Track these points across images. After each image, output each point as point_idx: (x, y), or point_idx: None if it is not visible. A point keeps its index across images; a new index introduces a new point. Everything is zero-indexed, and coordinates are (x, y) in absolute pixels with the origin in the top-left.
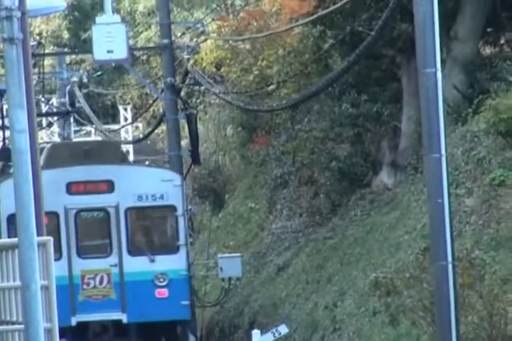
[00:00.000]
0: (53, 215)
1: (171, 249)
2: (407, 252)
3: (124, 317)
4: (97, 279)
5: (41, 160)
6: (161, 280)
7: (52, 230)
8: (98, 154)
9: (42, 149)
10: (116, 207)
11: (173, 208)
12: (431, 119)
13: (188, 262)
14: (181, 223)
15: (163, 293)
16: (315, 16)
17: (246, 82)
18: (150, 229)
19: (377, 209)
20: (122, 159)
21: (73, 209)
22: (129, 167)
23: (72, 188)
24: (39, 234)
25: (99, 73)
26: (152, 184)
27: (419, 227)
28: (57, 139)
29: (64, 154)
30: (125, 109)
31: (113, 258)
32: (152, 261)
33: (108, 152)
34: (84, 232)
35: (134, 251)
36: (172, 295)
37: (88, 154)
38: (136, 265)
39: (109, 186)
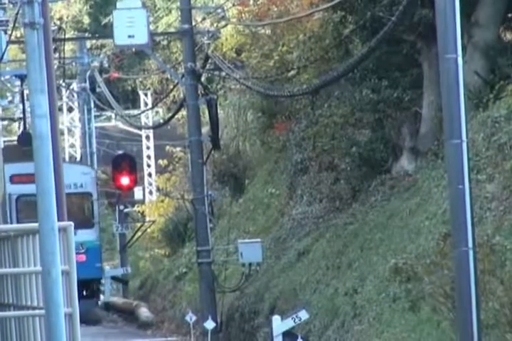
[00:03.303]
0: None
1: (88, 224)
2: (428, 238)
3: None
4: None
5: None
6: (80, 248)
7: None
8: None
9: None
10: None
11: (89, 194)
12: (451, 105)
13: (99, 234)
14: (95, 205)
15: (81, 258)
16: (335, 1)
17: (266, 67)
18: (73, 210)
19: (398, 194)
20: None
21: (14, 194)
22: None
23: (14, 179)
24: (59, 219)
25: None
26: (75, 176)
27: (439, 213)
28: (77, 124)
29: (10, 153)
30: (145, 94)
31: None
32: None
33: None
34: (23, 212)
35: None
36: (88, 259)
37: (28, 154)
38: None
39: None
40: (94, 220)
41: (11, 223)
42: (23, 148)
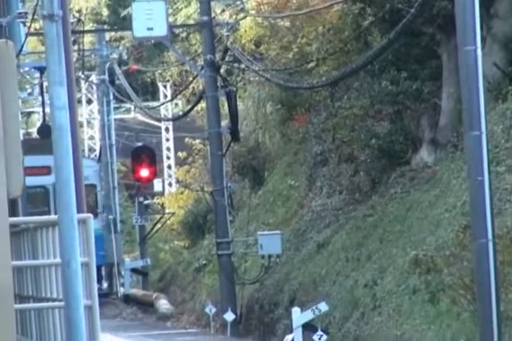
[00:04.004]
0: None
1: (92, 214)
2: (447, 230)
3: None
4: None
5: None
6: None
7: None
8: (41, 148)
9: None
10: (53, 185)
11: (93, 186)
12: (471, 97)
13: (102, 223)
14: (99, 196)
15: None
16: None
17: (285, 59)
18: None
19: (417, 186)
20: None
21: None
22: None
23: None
24: (79, 210)
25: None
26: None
27: (459, 205)
28: (96, 116)
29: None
30: (165, 86)
31: None
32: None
33: (48, 147)
34: (31, 202)
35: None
36: None
37: (34, 148)
38: None
39: (48, 170)
40: (98, 210)
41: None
42: (32, 142)
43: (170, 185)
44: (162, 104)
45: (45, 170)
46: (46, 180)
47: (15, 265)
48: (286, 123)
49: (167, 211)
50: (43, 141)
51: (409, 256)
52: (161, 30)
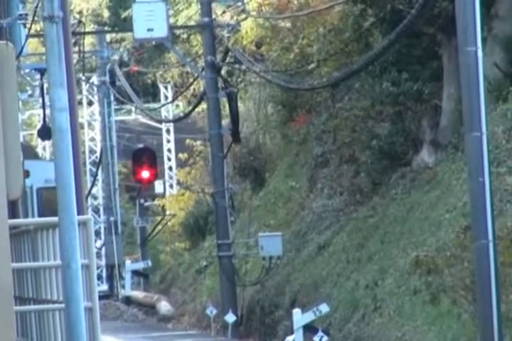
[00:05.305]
0: None
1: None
2: (448, 231)
3: None
4: None
5: None
6: None
7: None
8: None
9: None
10: (31, 187)
11: None
12: (471, 97)
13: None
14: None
15: None
16: None
17: (286, 60)
18: (52, 201)
19: (418, 187)
20: (35, 156)
21: None
22: (39, 161)
23: None
24: (79, 212)
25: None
26: (54, 172)
27: (459, 206)
28: (97, 118)
29: None
30: (165, 88)
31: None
32: None
33: (25, 152)
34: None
35: (42, 215)
36: None
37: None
38: None
39: (26, 174)
40: None
41: None
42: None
43: (171, 186)
44: (163, 105)
45: (24, 174)
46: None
47: (15, 267)
48: (287, 125)
49: (168, 213)
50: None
51: (409, 257)
52: (161, 32)
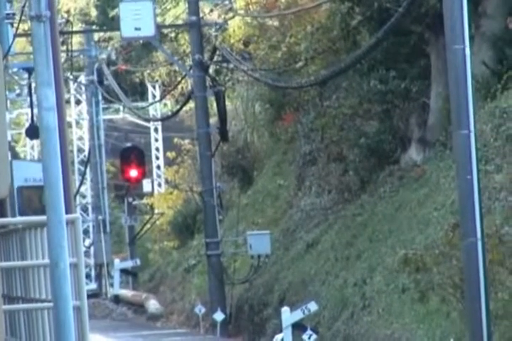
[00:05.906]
0: None
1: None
2: (437, 229)
3: None
4: None
5: None
6: None
7: None
8: None
9: None
10: (12, 186)
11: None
12: (459, 96)
13: None
14: None
15: None
16: None
17: (274, 58)
18: (32, 200)
19: (406, 185)
20: (14, 156)
21: None
22: (19, 161)
23: None
24: (67, 211)
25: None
26: (33, 171)
27: (448, 204)
28: (85, 116)
29: None
30: (153, 87)
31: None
32: None
33: None
34: None
35: (23, 213)
36: None
37: None
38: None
39: None
40: None
41: None
42: None
43: (159, 185)
44: (151, 104)
45: None
46: None
47: (3, 266)
48: (275, 123)
49: (156, 211)
50: None
51: (398, 255)
52: (148, 31)
